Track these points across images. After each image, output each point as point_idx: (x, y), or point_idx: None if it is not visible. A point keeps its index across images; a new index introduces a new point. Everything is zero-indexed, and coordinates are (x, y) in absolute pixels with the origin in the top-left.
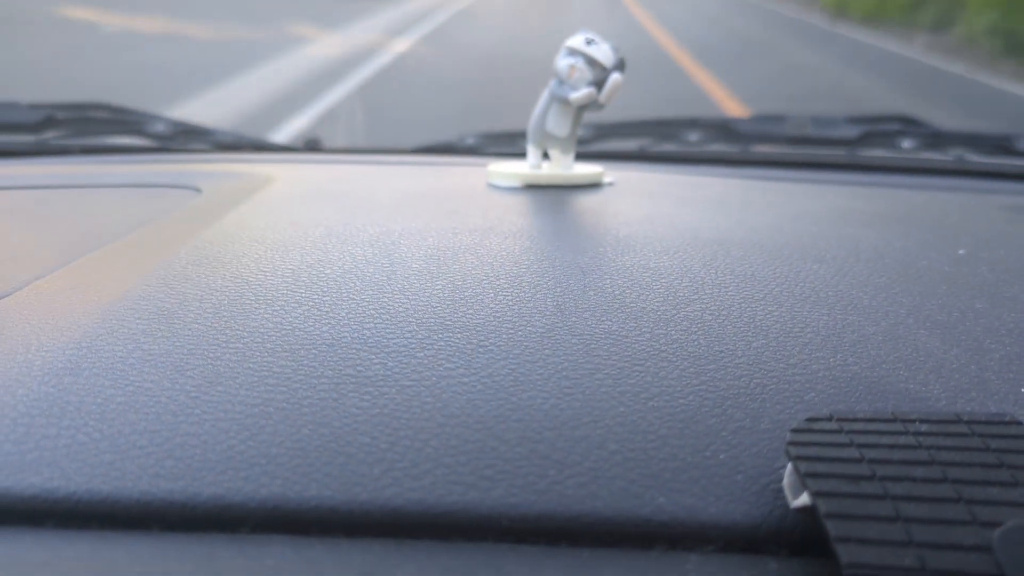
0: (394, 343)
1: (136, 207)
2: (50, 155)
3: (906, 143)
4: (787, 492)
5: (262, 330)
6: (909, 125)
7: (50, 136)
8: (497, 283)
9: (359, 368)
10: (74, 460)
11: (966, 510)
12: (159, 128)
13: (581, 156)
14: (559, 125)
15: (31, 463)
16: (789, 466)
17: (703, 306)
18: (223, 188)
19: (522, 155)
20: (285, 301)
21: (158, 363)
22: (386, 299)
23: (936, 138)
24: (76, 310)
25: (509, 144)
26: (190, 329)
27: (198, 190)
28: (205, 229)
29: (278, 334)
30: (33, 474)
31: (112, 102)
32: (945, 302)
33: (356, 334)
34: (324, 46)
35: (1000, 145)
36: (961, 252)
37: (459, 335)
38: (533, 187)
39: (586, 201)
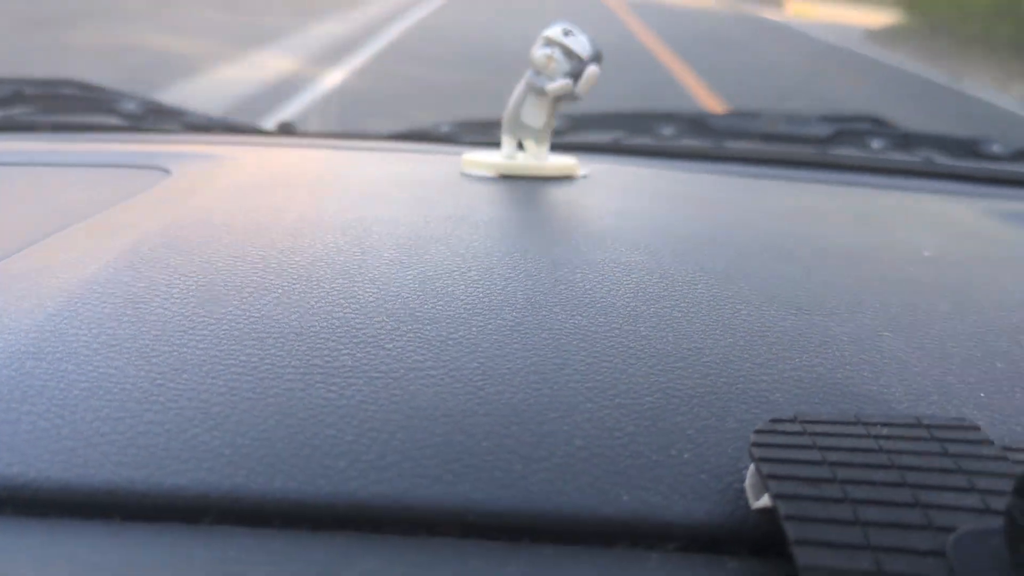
0: (363, 333)
1: (104, 187)
2: (17, 131)
3: (876, 143)
4: (749, 493)
5: (230, 317)
6: (879, 125)
7: (18, 112)
8: (468, 274)
9: (327, 358)
10: (34, 446)
11: (922, 515)
12: (130, 107)
13: (556, 147)
14: (534, 116)
15: None
16: (752, 467)
17: (672, 303)
18: (193, 170)
19: (497, 145)
20: (254, 288)
21: (123, 349)
22: (356, 288)
23: (905, 139)
24: (40, 292)
25: (484, 133)
26: (156, 314)
27: (167, 171)
28: (174, 212)
29: (246, 321)
30: None
31: (82, 79)
32: (910, 304)
33: (325, 323)
34: None
35: (968, 148)
36: (926, 253)
37: (428, 326)
38: (507, 177)
39: (559, 193)
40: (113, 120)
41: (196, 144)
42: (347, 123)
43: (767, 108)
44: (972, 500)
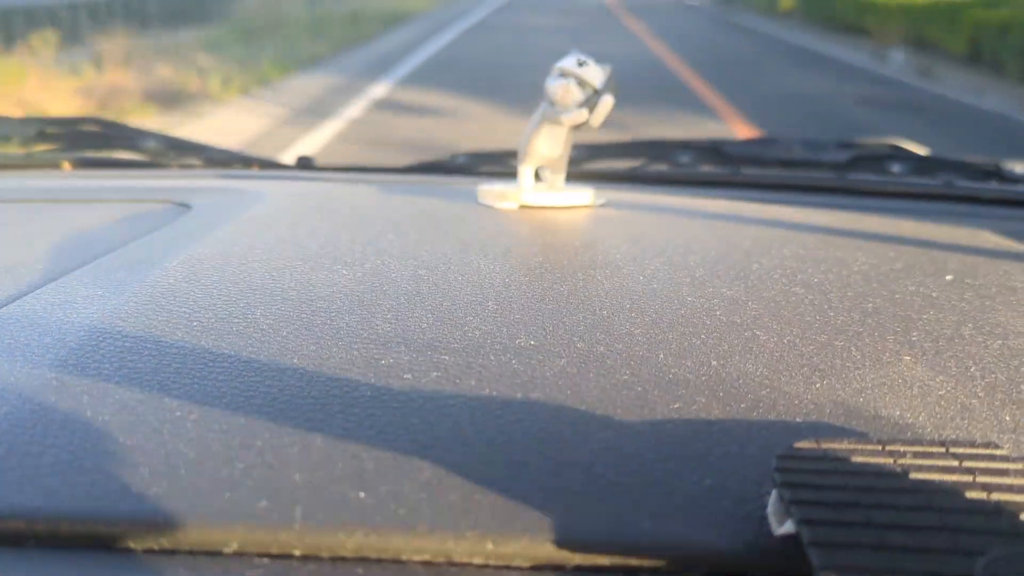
0: (381, 364)
1: (125, 222)
2: (41, 168)
3: (895, 168)
4: (772, 519)
5: (249, 349)
6: (898, 150)
7: (41, 149)
8: (485, 304)
9: (345, 389)
10: (58, 478)
11: (950, 539)
12: (150, 143)
13: (572, 177)
14: (550, 146)
15: (14, 481)
16: (774, 493)
17: (691, 330)
18: (213, 204)
19: (513, 175)
20: (273, 320)
21: (144, 381)
22: (374, 320)
23: (925, 163)
24: (63, 326)
25: (500, 164)
26: (177, 348)
27: (188, 206)
28: (194, 246)
29: (266, 353)
30: (15, 492)
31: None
32: (932, 328)
33: (344, 354)
34: None
35: (989, 171)
36: (948, 278)
37: (446, 357)
38: (523, 207)
39: (576, 222)
40: (134, 156)
41: (216, 179)
42: None
43: (784, 135)
44: (1000, 523)
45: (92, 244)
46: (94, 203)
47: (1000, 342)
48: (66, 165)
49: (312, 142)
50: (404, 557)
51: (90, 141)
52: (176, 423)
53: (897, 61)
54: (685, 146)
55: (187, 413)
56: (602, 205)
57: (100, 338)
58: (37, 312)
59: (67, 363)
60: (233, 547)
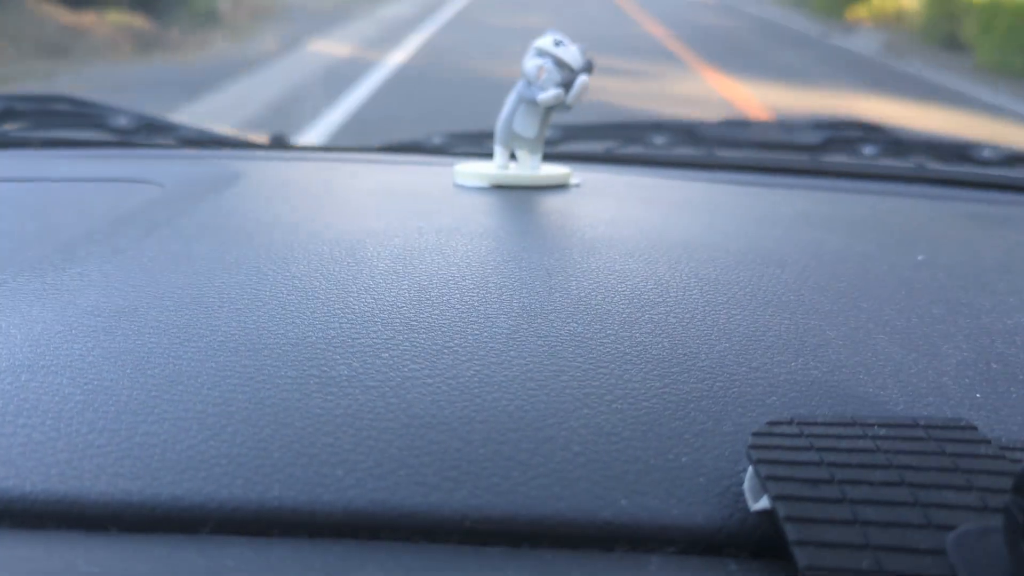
0: (359, 343)
1: (98, 202)
2: (9, 147)
3: (868, 149)
4: (748, 495)
5: (224, 329)
6: (871, 131)
7: (10, 128)
8: (463, 284)
9: (323, 368)
10: (30, 459)
11: (922, 513)
12: (122, 122)
13: (548, 157)
14: (526, 126)
15: None
16: (750, 469)
17: (667, 309)
18: (186, 184)
19: (489, 155)
20: (248, 300)
21: (118, 361)
22: (351, 299)
23: (897, 145)
24: (34, 307)
25: (476, 144)
26: (151, 327)
27: (161, 185)
28: (167, 226)
29: (241, 333)
30: None
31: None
32: (904, 307)
33: (320, 334)
34: None
35: (959, 153)
36: (920, 258)
37: (424, 336)
38: (500, 187)
39: (552, 202)
40: (105, 135)
41: (189, 158)
42: None
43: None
44: (971, 498)
45: (64, 225)
46: (65, 183)
47: (970, 321)
48: (36, 144)
49: None
50: (382, 535)
51: (60, 120)
52: (150, 404)
53: None
54: (659, 128)
55: (161, 393)
56: (578, 185)
57: (73, 317)
58: (9, 292)
59: (39, 344)
60: (209, 527)
